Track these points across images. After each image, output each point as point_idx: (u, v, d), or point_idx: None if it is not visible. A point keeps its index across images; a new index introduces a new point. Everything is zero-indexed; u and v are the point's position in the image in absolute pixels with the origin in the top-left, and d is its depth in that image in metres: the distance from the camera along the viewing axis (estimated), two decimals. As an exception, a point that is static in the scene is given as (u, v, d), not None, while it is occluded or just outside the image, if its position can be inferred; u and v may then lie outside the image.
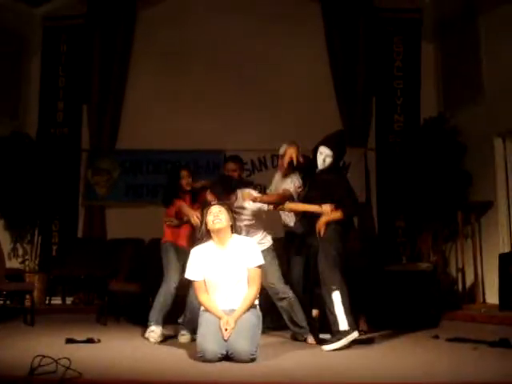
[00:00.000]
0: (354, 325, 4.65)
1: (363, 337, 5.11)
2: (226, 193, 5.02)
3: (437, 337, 5.29)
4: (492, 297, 6.69)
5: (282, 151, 5.86)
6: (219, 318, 4.14)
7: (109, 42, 8.91)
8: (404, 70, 8.78)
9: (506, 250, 6.78)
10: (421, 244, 7.76)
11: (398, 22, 8.88)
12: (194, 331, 5.13)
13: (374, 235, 8.32)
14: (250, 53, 8.67)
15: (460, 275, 7.31)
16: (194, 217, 5.28)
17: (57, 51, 9.04)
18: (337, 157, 5.06)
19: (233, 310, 4.20)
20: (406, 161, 7.84)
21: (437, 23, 8.59)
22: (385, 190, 8.40)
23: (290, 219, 5.68)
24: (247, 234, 5.13)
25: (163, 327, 5.35)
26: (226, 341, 4.00)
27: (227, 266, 4.30)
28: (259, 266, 4.36)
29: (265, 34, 8.69)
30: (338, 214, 4.86)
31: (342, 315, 4.61)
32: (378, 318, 6.40)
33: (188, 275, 4.43)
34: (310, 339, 5.05)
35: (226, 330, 4.05)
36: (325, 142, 5.11)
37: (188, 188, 5.76)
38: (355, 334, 4.62)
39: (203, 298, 4.34)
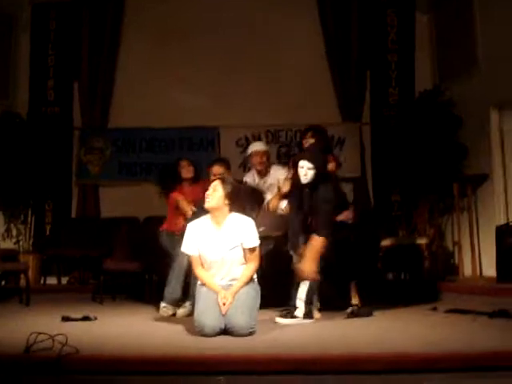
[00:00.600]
0: (309, 315, 4.72)
1: (361, 310, 5.08)
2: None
3: (435, 309, 5.27)
4: (489, 269, 6.66)
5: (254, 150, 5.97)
6: (216, 293, 4.11)
7: (98, 17, 8.80)
8: (398, 42, 8.69)
9: (503, 221, 6.76)
10: (417, 218, 7.73)
11: (392, -7, 8.78)
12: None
13: (370, 209, 8.29)
14: (243, 27, 8.56)
15: (456, 248, 7.28)
16: (189, 211, 5.34)
17: (46, 28, 8.91)
18: (319, 168, 4.92)
19: (229, 287, 4.17)
20: (401, 134, 7.79)
21: (431, -7, 8.50)
22: (380, 164, 8.37)
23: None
24: None
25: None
26: (223, 315, 3.97)
27: (221, 247, 4.24)
28: (256, 247, 4.29)
29: (260, 9, 8.59)
30: (318, 244, 4.77)
31: (301, 303, 4.71)
32: (375, 292, 6.42)
33: (184, 249, 4.38)
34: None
35: (224, 304, 4.02)
36: (303, 157, 5.00)
37: (187, 176, 5.89)
38: (307, 322, 4.67)
39: (199, 271, 4.30)
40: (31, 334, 3.32)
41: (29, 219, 8.44)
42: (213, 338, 3.83)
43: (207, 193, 4.30)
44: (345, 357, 3.16)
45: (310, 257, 4.73)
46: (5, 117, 8.20)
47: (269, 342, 3.73)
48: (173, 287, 5.40)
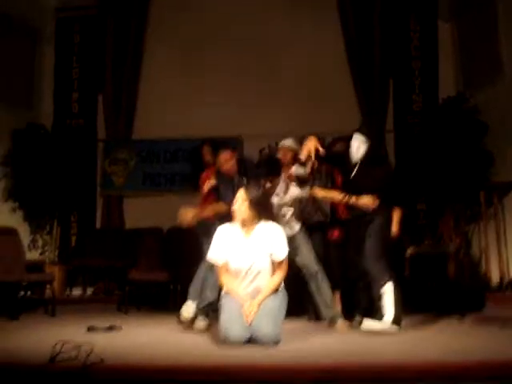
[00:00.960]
0: (399, 321, 4.55)
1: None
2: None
3: (462, 317, 5.19)
4: (517, 278, 6.57)
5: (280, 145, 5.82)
6: (242, 301, 4.08)
7: (122, 30, 8.90)
8: (421, 49, 8.64)
9: (530, 229, 6.66)
10: (442, 226, 7.64)
11: (414, 0, 8.71)
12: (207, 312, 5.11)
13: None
14: (265, 37, 8.60)
15: (483, 257, 7.17)
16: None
17: (70, 42, 9.05)
18: (371, 146, 4.93)
19: (255, 295, 4.13)
20: (426, 141, 7.72)
21: (453, 1, 8.42)
22: (404, 172, 8.27)
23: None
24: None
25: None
26: (248, 325, 3.95)
27: (249, 256, 4.20)
28: (284, 258, 4.25)
29: (280, 18, 8.64)
30: (399, 215, 4.82)
31: (391, 308, 4.53)
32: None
33: (211, 255, 4.33)
34: (340, 322, 4.95)
35: (249, 314, 3.99)
36: (357, 131, 5.00)
37: (209, 160, 5.81)
38: (392, 328, 4.52)
39: (225, 279, 4.27)
40: (56, 344, 3.33)
41: (54, 230, 8.52)
42: (237, 348, 3.81)
43: (235, 207, 4.26)
44: (370, 366, 3.12)
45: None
46: (30, 128, 8.30)
47: (293, 352, 3.69)
48: (196, 283, 5.31)
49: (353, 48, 8.67)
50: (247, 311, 4.01)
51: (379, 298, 4.59)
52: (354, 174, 4.96)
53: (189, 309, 5.22)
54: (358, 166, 4.95)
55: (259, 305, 4.05)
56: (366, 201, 4.79)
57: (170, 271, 6.84)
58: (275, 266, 4.22)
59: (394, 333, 4.43)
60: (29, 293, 7.44)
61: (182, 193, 6.76)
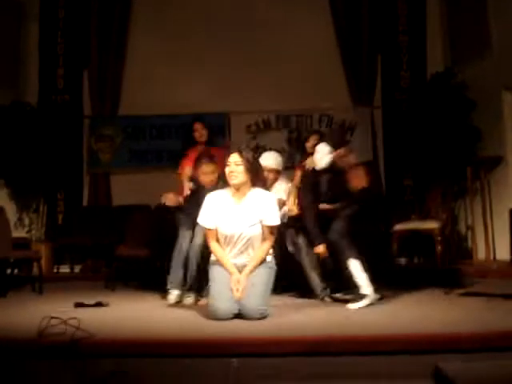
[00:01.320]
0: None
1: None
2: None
3: (447, 292, 5.22)
4: (503, 253, 6.62)
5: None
6: (230, 274, 4.06)
7: (107, 5, 8.79)
8: (409, 25, 8.60)
9: (517, 204, 6.71)
10: (430, 202, 7.66)
11: (403, -25, 8.67)
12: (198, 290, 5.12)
13: (382, 194, 8.23)
14: (251, 13, 8.53)
15: (470, 232, 7.23)
16: (186, 188, 5.32)
17: (55, 17, 8.90)
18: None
19: (244, 265, 4.11)
20: (413, 118, 7.73)
21: (442, -25, 8.39)
22: (392, 148, 8.31)
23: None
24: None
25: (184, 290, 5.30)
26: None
27: (240, 222, 4.13)
28: (275, 226, 4.21)
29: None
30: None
31: (364, 281, 4.58)
32: (387, 277, 6.39)
33: (200, 220, 4.27)
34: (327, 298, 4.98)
35: (238, 290, 3.98)
36: (322, 140, 5.02)
37: (202, 139, 5.75)
38: (377, 297, 4.59)
39: (214, 246, 4.21)
40: (43, 319, 3.32)
41: (41, 208, 8.47)
42: (226, 321, 3.82)
43: (230, 169, 4.14)
44: (358, 338, 3.14)
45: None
46: (15, 106, 8.20)
47: (282, 325, 3.71)
48: (175, 273, 5.27)
49: (341, 24, 8.63)
50: (235, 286, 3.99)
51: (347, 269, 4.63)
52: (322, 184, 4.94)
53: (172, 297, 5.19)
54: (325, 176, 4.93)
55: (247, 276, 4.04)
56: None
57: (157, 248, 6.82)
58: (265, 233, 4.16)
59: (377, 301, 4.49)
60: (16, 271, 7.42)
61: (168, 169, 6.70)
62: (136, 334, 3.43)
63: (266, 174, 5.50)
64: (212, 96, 8.26)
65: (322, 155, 4.88)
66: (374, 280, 5.75)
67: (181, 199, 5.42)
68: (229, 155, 4.20)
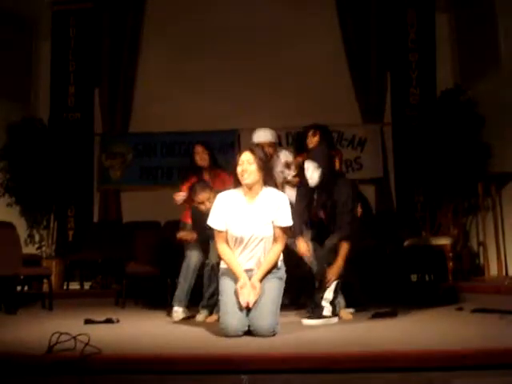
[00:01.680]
0: (335, 313, 4.65)
1: (386, 310, 5.01)
2: None
3: (460, 309, 5.18)
4: (515, 269, 6.56)
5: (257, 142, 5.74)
6: (238, 277, 3.98)
7: (118, 23, 8.88)
8: (418, 42, 8.62)
9: (528, 220, 6.66)
10: (441, 218, 7.63)
11: (412, -8, 8.71)
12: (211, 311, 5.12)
13: (393, 210, 8.22)
14: (262, 30, 8.60)
15: (481, 248, 7.18)
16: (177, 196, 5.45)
17: (66, 35, 9.00)
18: (325, 167, 4.79)
19: (254, 270, 4.04)
20: (424, 134, 7.71)
21: (451, -8, 8.42)
22: (403, 165, 8.29)
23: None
24: None
25: (188, 308, 5.29)
26: (248, 310, 3.90)
27: (253, 222, 4.03)
28: (288, 228, 4.14)
29: (277, 11, 8.62)
30: (345, 250, 4.72)
31: (327, 303, 4.60)
32: (399, 294, 6.35)
33: (210, 222, 4.16)
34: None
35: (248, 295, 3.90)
36: (307, 156, 4.92)
37: (202, 163, 5.68)
38: (334, 320, 4.59)
39: (223, 248, 4.10)
40: (53, 334, 3.31)
41: (51, 225, 8.50)
42: (235, 339, 3.79)
43: (243, 168, 4.04)
44: (369, 355, 3.10)
45: (338, 264, 4.67)
46: (26, 123, 8.25)
47: (291, 341, 3.68)
48: (181, 288, 5.31)
49: (350, 41, 8.67)
50: (246, 296, 3.89)
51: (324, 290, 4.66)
52: (316, 199, 4.91)
53: (178, 315, 5.20)
54: (316, 191, 4.89)
55: (258, 280, 3.96)
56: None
57: (167, 264, 6.82)
58: (276, 234, 4.07)
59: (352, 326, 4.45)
60: (26, 287, 7.44)
61: (179, 186, 6.70)
62: (146, 350, 3.41)
63: (266, 149, 5.48)
64: (222, 113, 8.30)
65: (311, 172, 4.84)
66: (386, 296, 5.78)
67: (194, 235, 5.41)
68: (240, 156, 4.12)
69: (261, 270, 4.02)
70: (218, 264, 4.34)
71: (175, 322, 5.01)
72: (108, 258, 7.65)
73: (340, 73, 8.57)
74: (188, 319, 5.13)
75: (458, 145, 7.27)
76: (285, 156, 5.89)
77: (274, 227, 4.08)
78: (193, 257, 5.31)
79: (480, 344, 3.28)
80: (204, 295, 5.19)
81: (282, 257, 4.19)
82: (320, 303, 4.63)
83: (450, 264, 6.78)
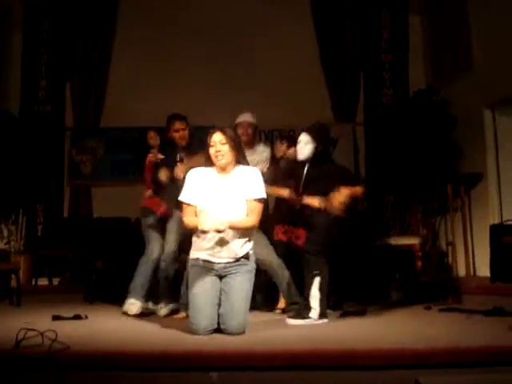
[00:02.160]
0: (324, 314, 4.56)
1: (355, 308, 5.05)
2: None
3: (429, 307, 5.24)
4: (483, 269, 6.65)
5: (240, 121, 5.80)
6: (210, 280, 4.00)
7: (92, 17, 8.75)
8: (392, 43, 8.67)
9: (497, 221, 6.75)
10: (410, 218, 7.72)
11: (385, -6, 8.78)
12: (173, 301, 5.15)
13: (363, 210, 8.26)
14: (237, 28, 8.53)
15: (450, 248, 7.27)
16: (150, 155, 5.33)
17: (39, 28, 8.83)
18: (318, 145, 4.84)
19: (226, 266, 4.00)
20: (395, 134, 7.77)
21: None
22: (374, 165, 8.34)
23: None
24: None
25: (146, 301, 5.27)
26: (219, 305, 3.93)
27: (225, 195, 4.00)
28: (261, 199, 4.07)
29: (253, 10, 8.56)
30: (359, 189, 4.77)
31: (315, 303, 4.52)
32: (368, 293, 6.39)
33: (182, 197, 4.09)
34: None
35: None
36: (303, 130, 4.93)
37: (154, 143, 5.86)
38: (319, 322, 4.51)
39: (188, 218, 4.05)
40: (20, 330, 3.28)
41: (20, 219, 8.37)
42: (204, 335, 3.79)
43: (216, 149, 3.99)
44: (340, 352, 3.13)
45: (345, 192, 4.61)
46: (-5, 115, 8.13)
47: (261, 339, 3.69)
48: (139, 281, 5.28)
49: (324, 41, 8.70)
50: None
51: (308, 287, 4.59)
52: (304, 175, 4.91)
53: (134, 308, 5.16)
54: (306, 166, 4.91)
55: (229, 226, 3.91)
56: (311, 201, 4.77)
57: (137, 260, 6.77)
58: (249, 209, 4.03)
59: (322, 324, 4.44)
60: (-7, 283, 7.33)
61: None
62: (113, 346, 3.39)
63: (242, 130, 5.61)
64: (196, 110, 8.23)
65: (303, 145, 4.86)
66: (359, 295, 5.82)
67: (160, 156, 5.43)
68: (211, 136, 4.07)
69: (233, 222, 3.94)
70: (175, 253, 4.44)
71: (144, 318, 4.98)
72: (77, 253, 7.55)
73: (314, 72, 8.58)
74: (144, 315, 5.10)
75: (429, 145, 7.34)
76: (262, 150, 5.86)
77: (247, 201, 4.03)
78: (154, 251, 5.29)
79: (446, 343, 3.32)
80: (160, 287, 5.22)
81: (252, 247, 4.12)
82: (309, 303, 4.54)
83: (419, 263, 6.85)
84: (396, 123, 7.89)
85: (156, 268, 5.31)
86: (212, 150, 4.03)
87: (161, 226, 5.40)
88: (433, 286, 6.37)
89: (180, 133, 5.55)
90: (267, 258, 5.02)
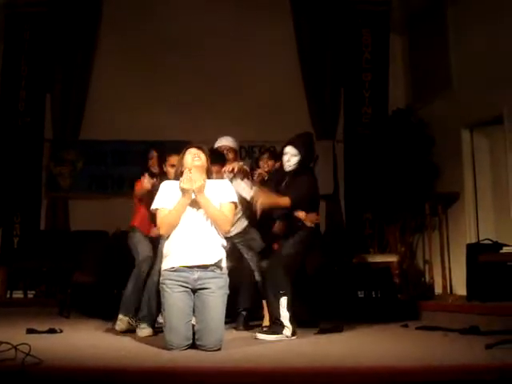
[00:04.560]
0: (295, 332, 4.58)
1: (333, 325, 5.04)
2: None
3: (406, 325, 5.26)
4: (459, 288, 6.71)
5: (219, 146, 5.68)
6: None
7: (73, 29, 8.72)
8: (372, 62, 8.78)
9: (473, 240, 6.82)
10: (388, 236, 7.76)
11: (367, 13, 8.89)
12: (153, 324, 5.03)
13: (342, 227, 8.30)
14: (215, 42, 8.58)
15: (427, 266, 7.31)
16: (142, 180, 5.14)
17: (20, 39, 8.77)
18: (304, 157, 4.89)
19: (202, 267, 3.97)
20: (374, 153, 7.85)
21: (405, 15, 8.62)
22: (353, 182, 8.40)
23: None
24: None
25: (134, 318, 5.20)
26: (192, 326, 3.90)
27: (198, 208, 4.03)
28: (233, 202, 4.12)
29: (234, 26, 8.63)
30: (285, 201, 4.73)
31: (287, 321, 4.54)
32: (346, 310, 6.40)
33: (155, 205, 4.11)
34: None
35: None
36: (290, 142, 4.94)
37: (155, 171, 5.53)
38: (292, 337, 4.54)
39: (162, 217, 4.05)
40: (-7, 344, 3.23)
41: (-5, 231, 8.28)
42: (180, 351, 3.76)
43: (194, 152, 4.09)
44: (315, 371, 3.11)
45: (270, 196, 4.70)
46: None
47: (236, 356, 3.67)
48: (129, 297, 5.21)
49: (305, 58, 8.76)
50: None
51: (275, 306, 4.61)
52: (283, 184, 4.95)
53: (121, 324, 5.10)
54: (287, 177, 4.96)
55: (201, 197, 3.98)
56: (301, 214, 4.82)
57: (113, 275, 6.73)
58: (222, 211, 4.08)
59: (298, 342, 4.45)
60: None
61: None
62: (88, 362, 3.34)
63: (225, 153, 5.49)
64: (174, 124, 8.25)
65: (289, 157, 4.88)
66: (334, 312, 5.82)
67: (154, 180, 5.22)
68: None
69: (206, 199, 4.01)
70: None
71: (119, 334, 4.93)
72: (54, 266, 7.47)
73: (294, 89, 8.64)
74: (132, 332, 5.04)
75: (407, 164, 7.43)
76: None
77: (220, 205, 4.07)
78: (143, 266, 5.24)
79: (422, 361, 3.32)
80: (145, 305, 5.10)
81: (225, 259, 4.12)
82: (282, 322, 4.55)
83: (396, 281, 6.88)
84: (375, 141, 7.96)
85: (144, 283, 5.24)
86: (188, 158, 4.09)
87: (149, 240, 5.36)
88: (409, 303, 6.43)
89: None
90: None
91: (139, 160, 7.65)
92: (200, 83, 8.52)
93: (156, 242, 5.13)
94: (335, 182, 8.47)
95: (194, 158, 4.09)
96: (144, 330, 4.91)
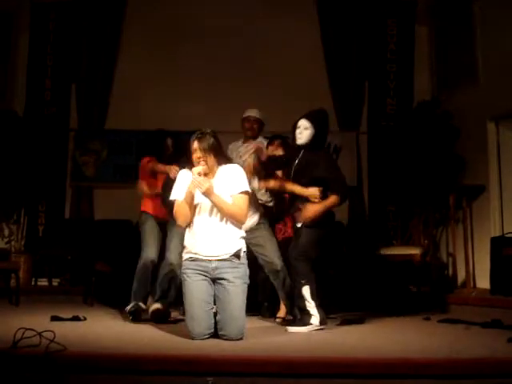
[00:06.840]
0: (324, 320, 4.53)
1: (355, 317, 5.04)
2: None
3: (428, 318, 5.24)
4: (483, 281, 6.64)
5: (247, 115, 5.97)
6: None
7: (99, 20, 8.76)
8: (397, 53, 8.65)
9: (498, 233, 6.76)
10: (412, 228, 7.71)
11: (393, 4, 8.75)
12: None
13: (365, 219, 8.26)
14: (242, 35, 8.52)
15: (451, 260, 7.26)
16: (173, 170, 4.94)
17: (45, 29, 8.83)
18: (317, 132, 4.77)
19: (219, 259, 4.03)
20: (398, 144, 7.77)
21: (431, 5, 8.49)
22: (376, 174, 8.32)
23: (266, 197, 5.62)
24: None
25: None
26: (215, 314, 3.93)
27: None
28: (245, 192, 4.15)
29: (259, 17, 8.56)
30: (332, 200, 4.62)
31: (314, 310, 4.49)
32: (368, 301, 6.39)
33: (173, 196, 4.18)
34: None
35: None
36: (303, 116, 4.86)
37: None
38: (322, 327, 4.49)
39: (178, 206, 4.12)
40: (18, 330, 3.28)
41: (21, 219, 8.36)
42: (203, 340, 3.79)
43: (197, 155, 4.08)
44: (335, 360, 3.12)
45: (317, 207, 4.57)
46: (1, 115, 8.12)
47: (258, 345, 3.69)
48: (137, 285, 5.31)
49: (330, 50, 8.68)
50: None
51: (300, 296, 4.56)
52: (297, 161, 4.84)
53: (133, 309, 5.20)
54: (301, 152, 4.84)
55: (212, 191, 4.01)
56: (313, 191, 4.66)
57: (136, 263, 6.77)
58: (234, 203, 4.10)
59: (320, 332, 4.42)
60: (-7, 282, 7.33)
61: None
62: (111, 349, 3.39)
63: (247, 124, 5.94)
64: (198, 115, 8.25)
65: (302, 130, 4.80)
66: (359, 304, 5.81)
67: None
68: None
69: (218, 195, 4.04)
70: (180, 266, 4.35)
71: (143, 321, 4.97)
72: (78, 255, 7.56)
73: (319, 80, 8.57)
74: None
75: (431, 156, 7.34)
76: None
77: (232, 197, 4.11)
78: (148, 253, 5.27)
79: (443, 354, 3.31)
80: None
81: (245, 248, 4.18)
82: (308, 311, 4.50)
83: (419, 274, 6.84)
84: (399, 133, 7.89)
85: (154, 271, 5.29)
86: (194, 157, 4.14)
87: (158, 230, 5.41)
88: (432, 296, 6.39)
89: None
90: (272, 259, 5.05)
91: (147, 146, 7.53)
92: (224, 75, 8.50)
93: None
94: (359, 174, 8.42)
95: (198, 161, 4.10)
96: (154, 305, 5.06)
